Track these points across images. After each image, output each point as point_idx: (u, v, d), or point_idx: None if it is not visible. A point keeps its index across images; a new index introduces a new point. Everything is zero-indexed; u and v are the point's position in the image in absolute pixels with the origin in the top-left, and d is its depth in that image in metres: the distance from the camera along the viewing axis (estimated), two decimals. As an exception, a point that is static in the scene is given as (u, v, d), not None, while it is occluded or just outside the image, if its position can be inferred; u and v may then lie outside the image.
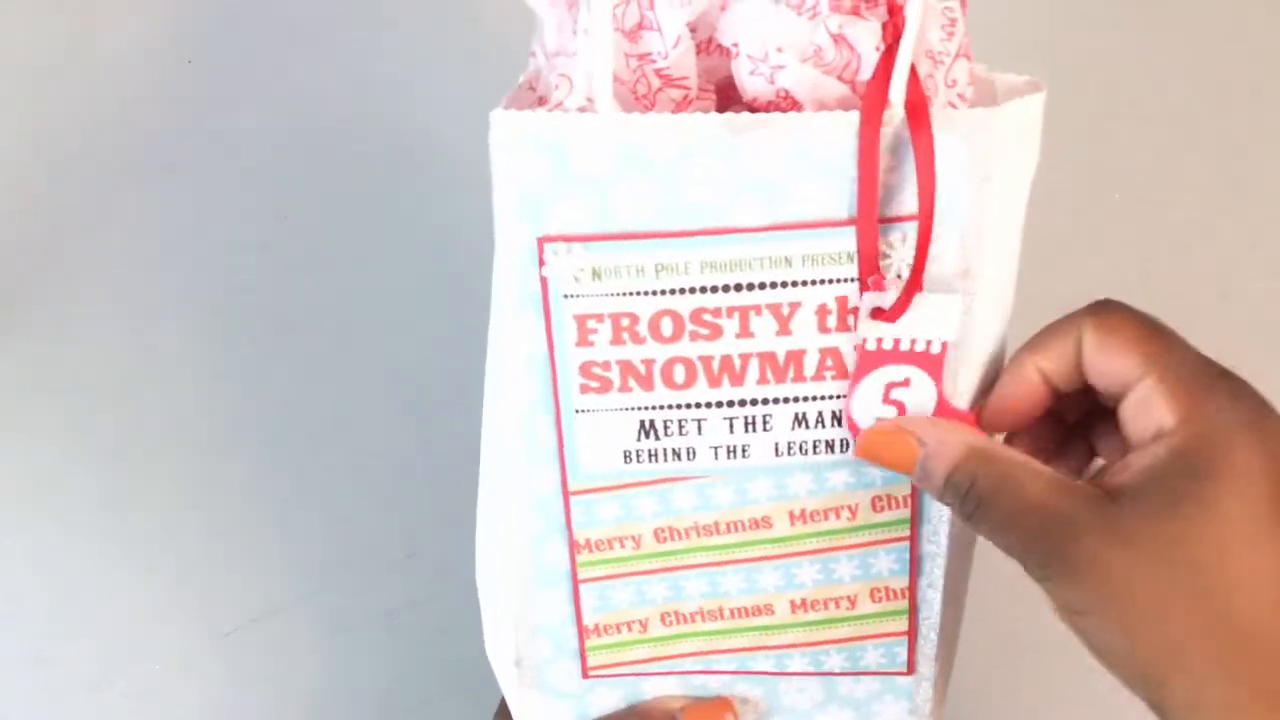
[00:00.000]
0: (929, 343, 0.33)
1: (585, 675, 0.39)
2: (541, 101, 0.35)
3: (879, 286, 0.33)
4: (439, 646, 0.54)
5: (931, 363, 0.33)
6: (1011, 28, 0.72)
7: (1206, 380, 0.32)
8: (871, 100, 0.31)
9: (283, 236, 0.65)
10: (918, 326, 0.33)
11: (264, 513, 0.58)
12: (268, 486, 0.58)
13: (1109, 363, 0.33)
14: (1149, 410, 0.32)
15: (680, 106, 0.34)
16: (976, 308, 0.34)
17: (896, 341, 0.33)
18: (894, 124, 0.32)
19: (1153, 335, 0.33)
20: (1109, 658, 0.32)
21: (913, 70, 0.32)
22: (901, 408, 0.34)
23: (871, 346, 0.33)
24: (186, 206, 0.66)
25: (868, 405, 0.34)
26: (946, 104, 0.34)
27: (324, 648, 0.55)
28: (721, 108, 0.35)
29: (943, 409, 0.34)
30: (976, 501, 0.33)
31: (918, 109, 0.31)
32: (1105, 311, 0.33)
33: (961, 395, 0.35)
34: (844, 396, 0.35)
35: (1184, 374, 0.32)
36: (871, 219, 0.32)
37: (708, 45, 0.35)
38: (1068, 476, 0.33)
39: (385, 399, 0.61)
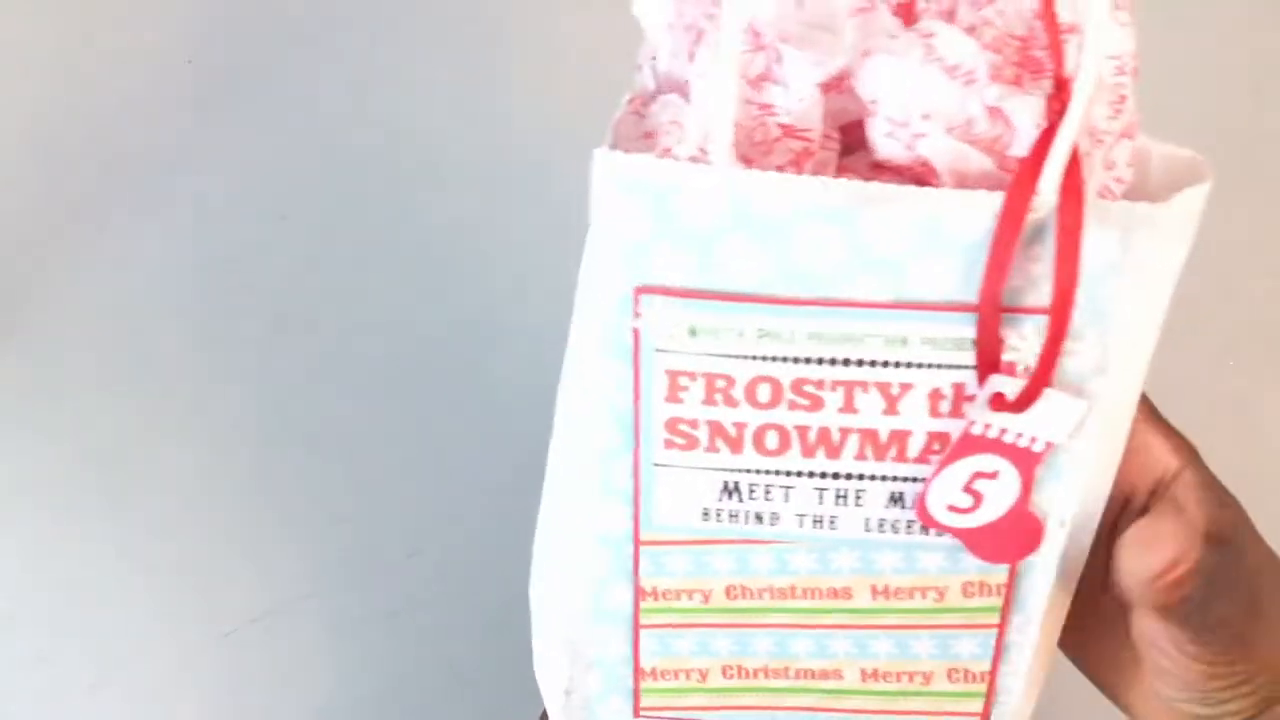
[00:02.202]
0: (1034, 439, 0.32)
1: (636, 714, 0.38)
2: (649, 136, 0.33)
3: (1010, 372, 0.31)
4: (439, 646, 0.54)
5: (1028, 460, 0.32)
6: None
7: None
8: (1023, 182, 0.29)
9: (283, 236, 0.65)
10: (1034, 423, 0.32)
11: (264, 513, 0.58)
12: (268, 486, 0.58)
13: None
14: None
15: (800, 156, 0.32)
16: (1097, 410, 0.32)
17: (1003, 431, 0.33)
18: (1042, 210, 0.30)
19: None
20: None
21: (1074, 155, 0.29)
22: (979, 499, 0.32)
23: (978, 431, 0.32)
24: (186, 207, 0.66)
25: (946, 489, 0.33)
26: (1102, 187, 0.32)
27: (324, 648, 0.55)
28: (845, 151, 0.33)
29: (1019, 510, 0.33)
30: None
31: (1072, 198, 0.29)
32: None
33: (1036, 504, 0.33)
34: None
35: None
36: (995, 304, 0.30)
37: (838, 83, 0.32)
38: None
39: (385, 399, 0.61)
